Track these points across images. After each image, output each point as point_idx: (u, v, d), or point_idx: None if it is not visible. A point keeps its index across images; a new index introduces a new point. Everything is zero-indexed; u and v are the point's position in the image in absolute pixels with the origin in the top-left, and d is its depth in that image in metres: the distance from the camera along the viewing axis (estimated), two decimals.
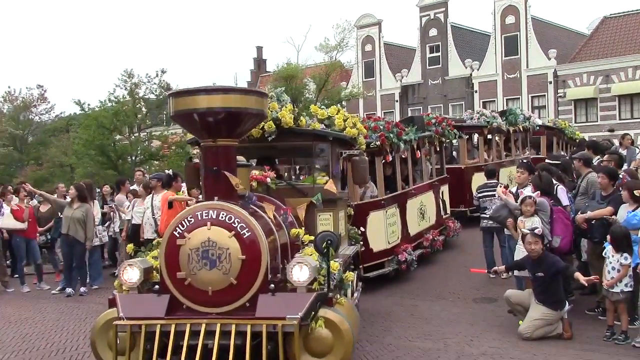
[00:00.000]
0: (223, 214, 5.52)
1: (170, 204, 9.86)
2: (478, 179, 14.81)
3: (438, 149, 13.83)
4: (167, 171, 12.16)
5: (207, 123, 5.58)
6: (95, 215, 11.82)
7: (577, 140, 21.17)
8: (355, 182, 8.66)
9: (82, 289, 11.27)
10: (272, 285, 5.49)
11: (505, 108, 20.18)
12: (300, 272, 5.56)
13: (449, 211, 13.86)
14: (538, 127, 19.18)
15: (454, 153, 17.12)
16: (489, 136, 17.20)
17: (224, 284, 5.41)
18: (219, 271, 5.39)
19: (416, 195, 11.67)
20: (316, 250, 5.90)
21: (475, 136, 16.82)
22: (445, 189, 13.77)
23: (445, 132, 13.56)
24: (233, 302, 5.46)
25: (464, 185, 15.41)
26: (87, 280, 11.55)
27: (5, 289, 11.84)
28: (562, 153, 18.88)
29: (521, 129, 17.98)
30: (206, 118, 5.55)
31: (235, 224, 5.48)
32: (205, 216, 5.52)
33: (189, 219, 5.53)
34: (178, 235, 5.49)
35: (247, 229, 5.48)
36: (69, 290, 11.20)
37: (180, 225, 5.53)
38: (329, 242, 5.75)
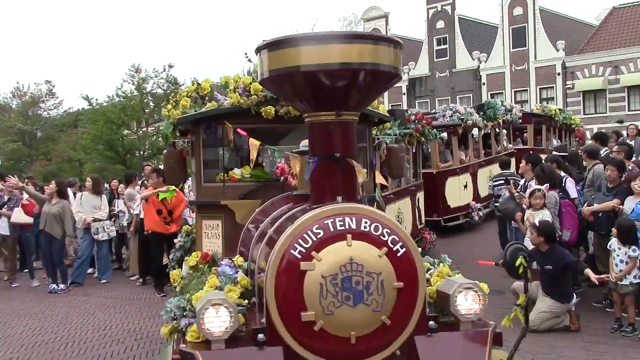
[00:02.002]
0: (366, 222, 3.72)
1: (147, 199, 9.99)
2: (452, 185, 14.22)
3: (414, 150, 12.69)
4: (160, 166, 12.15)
5: (332, 87, 3.78)
6: (103, 209, 11.91)
7: (575, 127, 20.31)
8: (392, 175, 7.93)
9: (62, 286, 11.25)
10: (432, 323, 3.95)
11: (483, 102, 18.37)
12: (469, 301, 3.99)
13: (423, 221, 12.98)
14: (520, 119, 17.61)
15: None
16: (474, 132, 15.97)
17: (373, 325, 3.68)
18: (366, 307, 3.63)
19: (394, 201, 10.87)
20: (508, 270, 4.54)
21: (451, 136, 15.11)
22: (421, 195, 12.80)
23: (425, 131, 12.46)
24: (381, 351, 3.78)
25: (436, 192, 14.02)
26: (89, 277, 11.61)
27: (11, 284, 11.93)
28: (556, 142, 18.39)
29: (501, 123, 16.50)
30: (332, 80, 3.74)
31: (384, 236, 3.72)
32: (341, 225, 3.69)
33: (314, 230, 3.64)
34: (300, 256, 3.59)
35: (400, 244, 3.75)
36: (52, 286, 11.21)
37: (301, 241, 3.62)
38: (525, 257, 4.18)
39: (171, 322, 4.08)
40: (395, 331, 3.75)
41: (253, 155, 5.35)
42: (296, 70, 3.67)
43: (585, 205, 8.19)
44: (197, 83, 6.14)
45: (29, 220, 12.01)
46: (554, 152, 10.94)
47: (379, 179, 6.65)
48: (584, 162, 9.71)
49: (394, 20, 79.93)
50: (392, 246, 3.72)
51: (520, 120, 17.59)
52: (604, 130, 16.07)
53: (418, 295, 3.79)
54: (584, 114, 35.44)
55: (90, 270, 12.38)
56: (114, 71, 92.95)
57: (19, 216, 11.96)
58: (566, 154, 10.06)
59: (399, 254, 3.72)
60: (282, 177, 5.56)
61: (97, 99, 34.86)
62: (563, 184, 8.57)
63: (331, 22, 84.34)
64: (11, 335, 8.20)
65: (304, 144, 4.45)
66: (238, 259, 4.47)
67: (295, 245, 3.63)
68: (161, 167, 12.18)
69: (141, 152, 34.82)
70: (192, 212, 9.06)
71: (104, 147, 32.93)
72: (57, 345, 7.63)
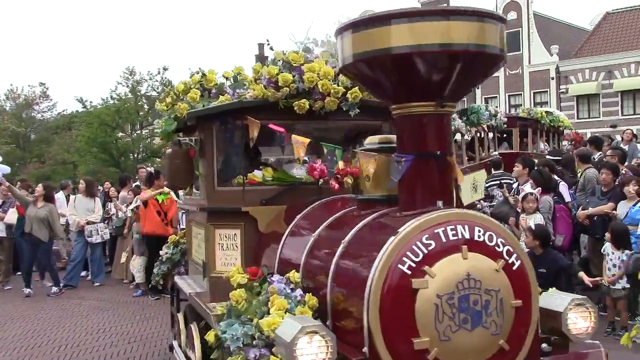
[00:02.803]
0: (480, 231, 3.22)
1: (145, 204, 9.97)
2: None
3: None
4: (148, 169, 12.16)
5: (430, 73, 3.23)
6: (97, 212, 11.89)
7: (562, 129, 20.13)
8: None
9: (54, 289, 11.22)
10: (545, 345, 3.55)
11: (466, 107, 17.97)
12: (580, 319, 3.54)
13: None
14: (505, 124, 17.07)
15: None
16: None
17: (490, 351, 3.18)
18: (485, 331, 3.12)
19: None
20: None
21: None
22: None
23: None
24: None
25: None
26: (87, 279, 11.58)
27: (3, 287, 11.89)
28: (543, 145, 18.24)
29: (485, 128, 15.94)
30: (431, 64, 3.20)
31: (499, 246, 3.23)
32: (454, 235, 3.16)
33: (424, 240, 3.11)
34: (410, 272, 3.06)
35: (515, 255, 3.26)
36: (27, 290, 11.14)
37: (410, 254, 3.08)
38: None
39: (237, 353, 3.51)
40: (510, 357, 3.25)
41: (300, 154, 4.66)
42: (386, 53, 3.16)
43: (580, 209, 8.22)
44: (203, 74, 5.54)
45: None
46: (547, 157, 10.98)
47: None
48: (576, 166, 9.76)
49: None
50: (507, 258, 3.22)
51: (506, 125, 17.42)
52: (597, 135, 16.15)
53: (532, 314, 3.32)
54: (578, 119, 35.57)
55: (83, 273, 12.35)
56: (108, 74, 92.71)
57: (13, 217, 11.91)
58: (559, 158, 10.08)
59: (514, 267, 3.23)
60: (320, 180, 4.97)
61: (91, 102, 34.75)
62: (557, 188, 8.60)
63: (326, 25, 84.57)
64: (4, 339, 8.16)
65: (371, 141, 4.03)
66: (294, 275, 3.85)
67: (404, 258, 3.06)
68: (150, 169, 12.16)
69: (135, 155, 34.71)
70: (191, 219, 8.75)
71: (98, 150, 32.82)
72: (50, 349, 7.60)
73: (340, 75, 4.77)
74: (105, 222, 12.41)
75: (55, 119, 44.39)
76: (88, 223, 11.65)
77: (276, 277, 3.92)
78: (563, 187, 8.65)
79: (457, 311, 3.05)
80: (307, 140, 4.63)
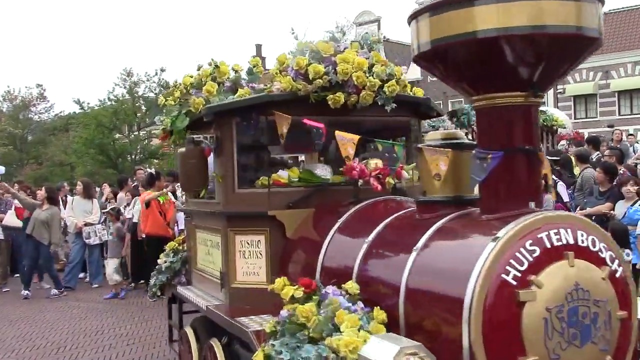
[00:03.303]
0: (582, 235, 2.91)
1: (148, 204, 9.96)
2: None
3: None
4: (149, 170, 12.15)
5: (521, 59, 2.94)
6: (94, 213, 11.87)
7: (556, 128, 20.19)
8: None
9: (54, 291, 11.23)
10: None
11: (455, 108, 17.79)
12: None
13: None
14: None
15: None
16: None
17: None
18: (594, 347, 2.83)
19: None
20: None
21: None
22: None
23: None
24: None
25: None
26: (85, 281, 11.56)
27: (1, 290, 11.87)
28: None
29: (475, 130, 16.31)
30: (522, 49, 2.90)
31: (602, 252, 2.94)
32: (557, 240, 2.84)
33: (527, 247, 2.78)
34: (516, 282, 2.72)
35: (617, 261, 2.99)
36: (25, 292, 11.15)
37: (514, 262, 2.74)
38: None
39: None
40: None
41: (349, 152, 4.27)
42: (471, 38, 2.85)
43: (578, 209, 8.22)
44: (216, 65, 5.14)
45: (20, 223, 11.94)
46: (546, 157, 10.98)
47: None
48: (574, 166, 9.78)
49: (386, 24, 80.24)
50: (611, 265, 2.92)
51: None
52: (595, 135, 16.18)
53: (634, 326, 3.03)
54: (575, 119, 35.59)
55: (81, 275, 12.33)
56: (106, 75, 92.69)
57: (11, 219, 11.90)
58: (558, 158, 10.09)
59: (617, 275, 2.94)
60: (360, 180, 4.50)
61: (88, 103, 34.67)
62: (555, 188, 8.61)
63: (324, 26, 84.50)
64: (2, 340, 8.15)
65: (432, 137, 3.72)
66: (352, 286, 3.44)
67: (507, 267, 2.72)
68: (151, 170, 12.12)
69: (133, 156, 34.65)
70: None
71: (96, 151, 32.75)
72: (48, 351, 7.58)
73: (375, 67, 4.57)
74: (103, 223, 12.39)
75: (53, 121, 44.34)
76: (86, 225, 11.63)
77: (330, 288, 3.50)
78: (561, 187, 8.66)
79: (567, 326, 2.73)
80: (357, 137, 4.28)
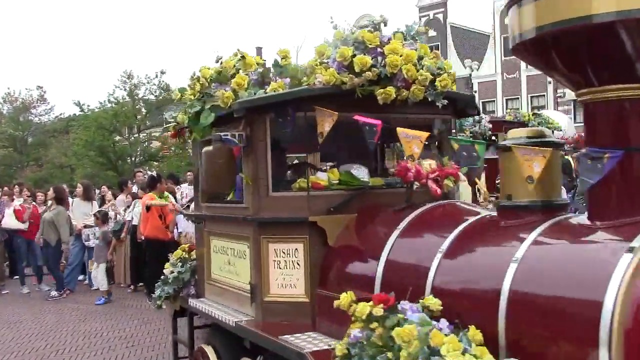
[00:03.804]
0: None
1: (148, 208, 9.95)
2: None
3: None
4: (149, 172, 12.13)
5: None
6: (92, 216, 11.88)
7: (552, 131, 20.08)
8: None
9: (54, 293, 11.26)
10: None
11: None
12: None
13: None
14: (490, 131, 17.25)
15: None
16: None
17: None
18: None
19: None
20: None
21: None
22: None
23: None
24: None
25: None
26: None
27: (0, 292, 11.87)
28: None
29: (467, 134, 15.93)
30: None
31: None
32: None
33: None
34: None
35: None
36: (53, 292, 11.27)
37: None
38: None
39: None
40: None
41: (414, 151, 3.87)
42: (584, 23, 2.55)
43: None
44: (242, 56, 4.71)
45: (20, 225, 11.96)
46: None
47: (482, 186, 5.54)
48: (573, 169, 9.78)
49: (385, 28, 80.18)
50: None
51: (490, 131, 17.24)
52: None
53: None
54: (575, 122, 35.59)
55: (80, 277, 12.33)
56: (106, 77, 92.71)
57: (10, 221, 11.91)
58: None
59: None
60: (414, 183, 4.09)
61: (88, 105, 34.73)
62: None
63: (323, 30, 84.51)
64: (1, 342, 8.14)
65: (516, 134, 3.45)
66: (434, 302, 3.05)
67: None
68: (153, 173, 12.08)
69: (133, 159, 34.66)
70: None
71: (96, 153, 32.77)
72: (47, 353, 7.58)
73: (424, 59, 4.24)
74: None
75: (53, 123, 44.35)
76: (85, 227, 11.64)
77: (407, 304, 3.10)
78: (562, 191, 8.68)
79: None
80: (425, 134, 3.91)
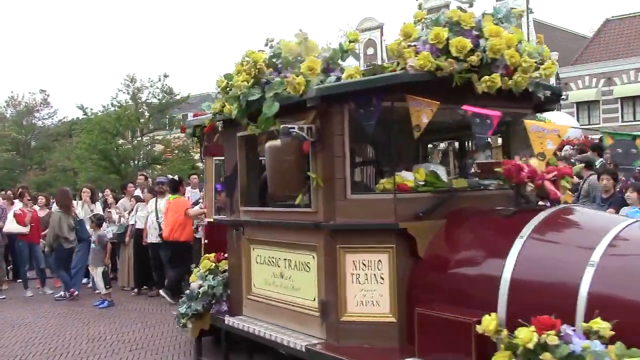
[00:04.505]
0: None
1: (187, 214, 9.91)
2: None
3: None
4: (169, 176, 12.14)
5: None
6: None
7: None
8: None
9: (61, 294, 11.39)
10: None
11: None
12: None
13: None
14: None
15: None
16: None
17: None
18: None
19: None
20: None
21: None
22: None
23: None
24: None
25: None
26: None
27: None
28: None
29: None
30: None
31: None
32: None
33: None
34: None
35: None
36: (61, 292, 11.40)
37: None
38: None
39: None
40: None
41: (546, 148, 3.32)
42: None
43: None
44: (305, 38, 4.21)
45: (22, 229, 11.96)
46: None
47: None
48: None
49: (388, 31, 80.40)
50: None
51: None
52: (597, 141, 16.15)
53: None
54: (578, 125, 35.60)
55: (84, 281, 12.33)
56: (109, 81, 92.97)
57: (12, 226, 11.91)
58: None
59: None
60: (528, 184, 3.57)
61: (92, 109, 34.85)
62: None
63: (326, 33, 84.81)
64: (5, 346, 8.13)
65: None
66: (604, 326, 2.63)
67: None
68: (175, 176, 12.01)
69: (136, 162, 34.73)
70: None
71: (99, 157, 32.87)
72: (51, 356, 7.56)
73: (524, 44, 3.75)
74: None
75: (56, 126, 44.50)
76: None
77: (569, 328, 2.68)
78: None
79: None
80: (566, 128, 3.47)
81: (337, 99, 3.79)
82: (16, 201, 12.84)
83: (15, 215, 11.96)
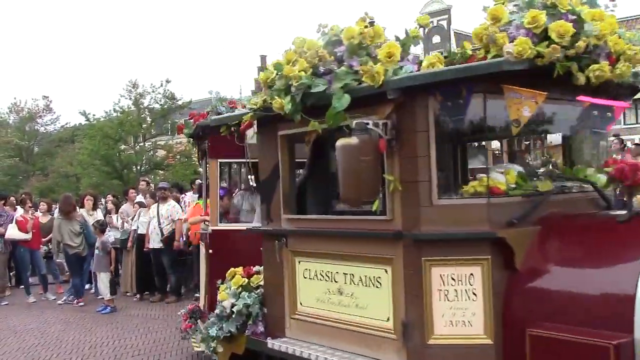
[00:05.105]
0: None
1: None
2: None
3: None
4: (198, 181, 12.04)
5: None
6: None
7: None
8: None
9: (64, 298, 11.53)
10: None
11: None
12: None
13: None
14: None
15: None
16: None
17: None
18: None
19: None
20: None
21: None
22: None
23: None
24: None
25: None
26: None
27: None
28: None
29: None
30: None
31: None
32: None
33: None
34: None
35: None
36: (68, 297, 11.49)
37: None
38: None
39: None
40: None
41: None
42: None
43: None
44: (370, 22, 3.74)
45: (24, 236, 11.97)
46: None
47: None
48: None
49: (390, 34, 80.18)
50: None
51: None
52: None
53: None
54: None
55: (87, 286, 12.33)
56: (112, 87, 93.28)
57: (14, 232, 11.92)
58: None
59: None
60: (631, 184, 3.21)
61: (94, 115, 34.96)
62: None
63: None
64: (7, 353, 8.12)
65: None
66: None
67: None
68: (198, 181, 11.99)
69: (138, 167, 34.78)
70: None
71: (101, 163, 32.94)
72: None
73: (622, 30, 3.40)
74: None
75: (59, 132, 44.59)
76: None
77: None
78: None
79: None
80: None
81: (421, 91, 3.35)
82: (18, 207, 12.85)
83: (16, 222, 11.97)
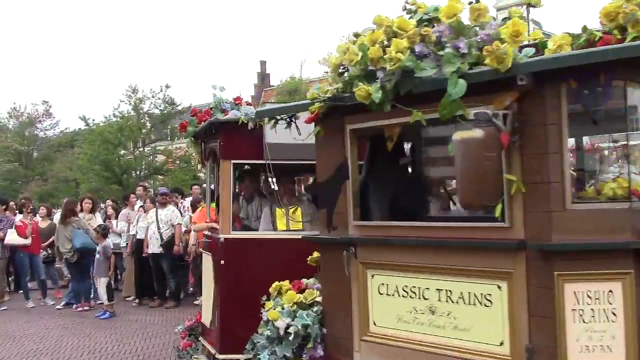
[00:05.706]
0: None
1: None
2: None
3: None
4: (204, 185, 12.09)
5: None
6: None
7: None
8: None
9: (64, 302, 11.59)
10: None
11: None
12: None
13: None
14: None
15: None
16: None
17: None
18: None
19: None
20: None
21: None
22: None
23: None
24: None
25: None
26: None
27: None
28: None
29: None
30: None
31: None
32: None
33: None
34: None
35: None
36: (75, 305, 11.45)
37: None
38: None
39: None
40: None
41: None
42: None
43: None
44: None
45: (23, 241, 11.97)
46: None
47: None
48: None
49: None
50: None
51: None
52: None
53: None
54: None
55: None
56: (111, 92, 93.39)
57: (13, 237, 11.92)
58: None
59: None
60: None
61: (94, 120, 35.01)
62: None
63: (328, 43, 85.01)
64: (6, 358, 8.11)
65: None
66: None
67: None
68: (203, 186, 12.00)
69: (138, 172, 34.80)
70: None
71: (101, 168, 32.94)
72: None
73: None
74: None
75: (58, 137, 44.62)
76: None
77: None
78: None
79: None
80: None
81: (551, 77, 2.87)
82: (17, 212, 12.86)
83: (15, 227, 11.98)
